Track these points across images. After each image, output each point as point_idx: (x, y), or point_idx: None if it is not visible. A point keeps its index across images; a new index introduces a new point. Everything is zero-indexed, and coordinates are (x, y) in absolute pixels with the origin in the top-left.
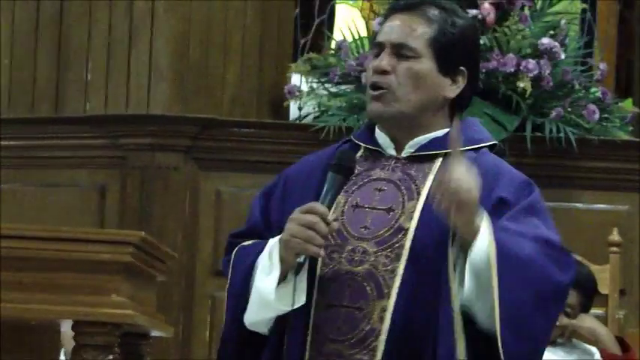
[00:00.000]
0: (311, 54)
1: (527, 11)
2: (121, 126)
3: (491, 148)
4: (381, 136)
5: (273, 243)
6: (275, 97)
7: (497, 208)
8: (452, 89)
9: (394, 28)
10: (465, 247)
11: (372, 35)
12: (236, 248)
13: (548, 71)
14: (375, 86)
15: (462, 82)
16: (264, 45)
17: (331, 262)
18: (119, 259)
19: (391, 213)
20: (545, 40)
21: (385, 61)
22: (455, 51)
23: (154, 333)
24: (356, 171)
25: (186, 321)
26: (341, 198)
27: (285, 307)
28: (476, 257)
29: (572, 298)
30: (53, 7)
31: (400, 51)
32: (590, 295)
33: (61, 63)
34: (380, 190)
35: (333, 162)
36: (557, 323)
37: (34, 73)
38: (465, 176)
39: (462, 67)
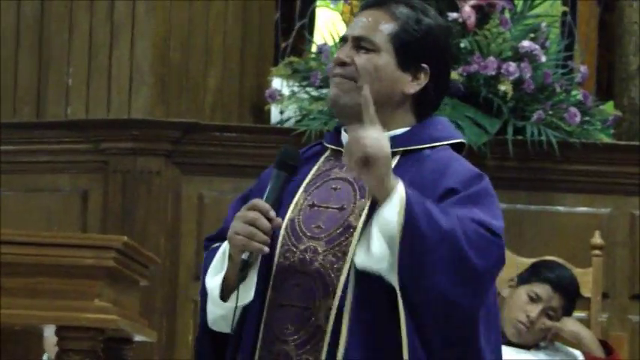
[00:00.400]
0: (292, 58)
1: (507, 14)
2: (103, 130)
3: (461, 147)
4: (345, 137)
5: (226, 242)
6: (256, 101)
7: (444, 198)
8: (412, 85)
9: (359, 23)
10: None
11: None
12: (205, 253)
13: (529, 74)
14: (334, 76)
15: (423, 80)
16: (245, 49)
17: (285, 261)
18: (102, 264)
19: (343, 211)
20: (526, 43)
21: (344, 53)
22: (417, 48)
23: (138, 338)
24: (317, 170)
25: (169, 325)
26: (300, 197)
27: (232, 305)
28: (384, 216)
29: (555, 301)
30: (34, 11)
31: (360, 44)
32: (572, 298)
33: (42, 67)
34: (336, 189)
35: (277, 158)
36: (542, 326)
37: (15, 78)
38: (373, 134)
39: (424, 65)
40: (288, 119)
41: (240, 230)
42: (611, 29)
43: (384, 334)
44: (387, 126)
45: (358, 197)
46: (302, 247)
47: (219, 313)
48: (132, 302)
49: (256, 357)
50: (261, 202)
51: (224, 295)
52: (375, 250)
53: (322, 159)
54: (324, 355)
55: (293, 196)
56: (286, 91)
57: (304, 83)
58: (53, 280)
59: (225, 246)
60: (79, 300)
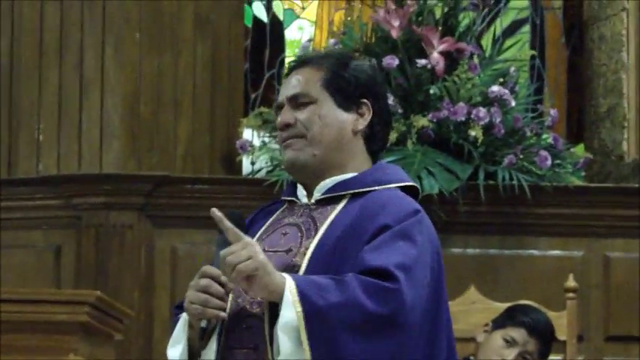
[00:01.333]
0: (262, 108)
1: (476, 59)
2: (75, 185)
3: (414, 191)
4: (300, 188)
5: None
6: (227, 152)
7: (377, 234)
8: (359, 122)
9: (287, 85)
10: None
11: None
12: (173, 320)
13: (499, 119)
14: (283, 140)
15: (367, 114)
16: (215, 100)
17: (237, 307)
18: (76, 319)
19: (290, 253)
20: (495, 88)
21: (286, 115)
22: (351, 86)
23: None
24: (272, 221)
25: None
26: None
27: None
28: (287, 323)
29: (531, 345)
30: (3, 66)
31: (298, 101)
32: (548, 341)
33: (12, 123)
34: (285, 234)
35: (218, 225)
36: None
37: None
38: (237, 251)
39: (363, 100)
40: (259, 170)
41: (194, 299)
42: (579, 72)
43: None
44: (341, 170)
45: (305, 238)
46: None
47: None
48: (107, 356)
49: None
50: (210, 269)
51: None
52: (284, 351)
53: (279, 211)
54: None
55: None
56: (257, 142)
57: (275, 133)
58: (28, 336)
59: (184, 315)
60: (54, 355)
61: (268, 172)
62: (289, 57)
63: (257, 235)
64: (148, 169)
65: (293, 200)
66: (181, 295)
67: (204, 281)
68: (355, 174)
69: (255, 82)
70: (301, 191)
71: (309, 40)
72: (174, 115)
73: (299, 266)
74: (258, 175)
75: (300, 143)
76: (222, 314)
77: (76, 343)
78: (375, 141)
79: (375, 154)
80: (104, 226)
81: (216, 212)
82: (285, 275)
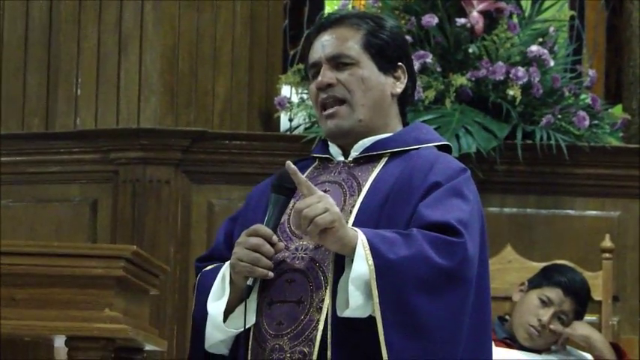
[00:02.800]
0: (300, 65)
1: (515, 19)
2: (112, 140)
3: (447, 149)
4: (332, 146)
5: (225, 267)
6: (265, 108)
7: (430, 191)
8: (397, 85)
9: (325, 44)
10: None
11: (305, 63)
12: (200, 273)
13: (537, 79)
14: (326, 105)
15: (404, 78)
16: (254, 56)
17: (278, 261)
18: (112, 274)
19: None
20: (534, 48)
21: (327, 75)
22: (390, 49)
23: (148, 347)
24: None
25: (180, 335)
26: (292, 203)
27: (235, 330)
28: (358, 277)
29: (567, 305)
30: (42, 22)
31: (338, 61)
32: (583, 302)
33: (51, 78)
34: (325, 191)
35: (273, 182)
36: (552, 327)
37: (24, 89)
38: (314, 202)
39: (400, 63)
40: (297, 126)
41: (244, 257)
42: (618, 33)
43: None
44: (378, 131)
45: (348, 196)
46: (293, 246)
47: (219, 338)
48: (142, 311)
49: (249, 357)
50: (263, 228)
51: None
52: (354, 304)
53: (311, 168)
54: (317, 345)
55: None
56: (295, 99)
57: None
58: (63, 290)
59: (224, 271)
60: (89, 310)
61: (306, 128)
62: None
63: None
64: (186, 125)
65: (327, 158)
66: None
67: (257, 240)
68: (391, 134)
69: (293, 38)
70: (335, 149)
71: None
72: (213, 72)
73: (346, 222)
74: (295, 132)
75: (343, 111)
76: (271, 274)
77: (112, 297)
78: (407, 103)
79: (403, 114)
80: (141, 181)
81: (290, 165)
82: (357, 229)
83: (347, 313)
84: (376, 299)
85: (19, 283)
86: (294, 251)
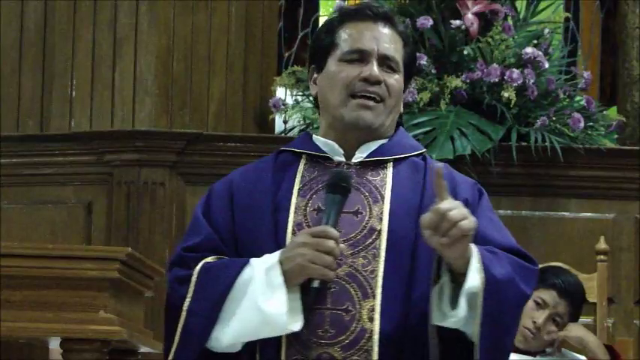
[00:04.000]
0: (295, 67)
1: (510, 21)
2: (107, 142)
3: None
4: (326, 144)
5: (269, 264)
6: (260, 110)
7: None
8: (404, 97)
9: (380, 39)
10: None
11: (331, 37)
12: (200, 265)
13: (532, 80)
14: (368, 96)
15: (407, 91)
16: (249, 58)
17: None
18: (106, 276)
19: (359, 215)
20: (529, 50)
21: (378, 71)
22: (413, 66)
23: (143, 349)
24: (305, 176)
25: None
26: (299, 202)
27: (294, 328)
28: (469, 289)
29: (561, 307)
30: (36, 24)
31: (386, 62)
32: (578, 304)
33: (46, 80)
34: None
35: (329, 182)
36: (548, 333)
37: (19, 91)
38: (458, 208)
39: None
40: (292, 128)
41: (315, 259)
42: (613, 35)
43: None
44: (381, 135)
45: (372, 201)
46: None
47: (267, 336)
48: (137, 313)
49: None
50: (333, 230)
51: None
52: (461, 315)
53: (301, 165)
54: (375, 355)
55: (288, 201)
56: (290, 101)
57: (308, 92)
58: (58, 292)
59: (266, 269)
60: (83, 312)
61: (301, 130)
62: (323, 16)
63: (295, 190)
64: (181, 127)
65: (319, 156)
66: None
67: (331, 243)
68: (387, 138)
69: (288, 40)
70: (335, 148)
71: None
72: (208, 73)
73: (379, 231)
74: (290, 134)
75: (379, 109)
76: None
77: (106, 299)
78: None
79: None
80: (135, 183)
81: (438, 167)
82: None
83: (449, 323)
84: (479, 314)
85: (15, 285)
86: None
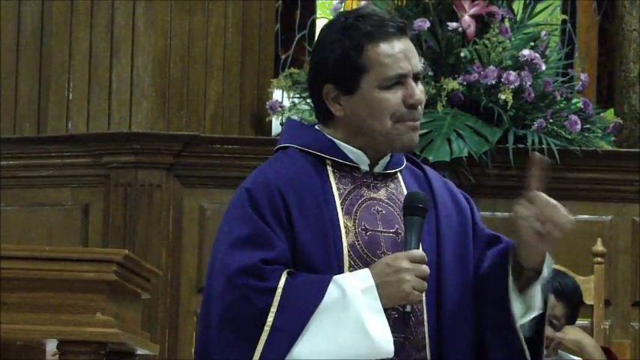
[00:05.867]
0: (292, 69)
1: (507, 23)
2: (104, 144)
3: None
4: (353, 152)
5: (363, 287)
6: (257, 112)
7: (464, 217)
8: None
9: (410, 57)
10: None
11: (362, 59)
12: (283, 279)
13: (529, 83)
14: (415, 119)
15: None
16: (246, 61)
17: None
18: (103, 278)
19: (399, 236)
20: (526, 52)
21: (419, 93)
22: None
23: (140, 351)
24: (342, 190)
25: (171, 338)
26: (347, 221)
27: (392, 354)
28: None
29: (558, 309)
30: (34, 26)
31: (418, 77)
32: (575, 306)
33: (43, 82)
34: (378, 212)
35: (406, 204)
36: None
37: (16, 93)
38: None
39: None
40: None
41: (419, 287)
42: (610, 37)
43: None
44: None
45: (402, 220)
46: None
47: (355, 358)
48: (133, 316)
49: None
50: (424, 256)
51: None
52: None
53: (330, 172)
54: None
55: (335, 217)
56: (287, 103)
57: (305, 94)
58: (54, 294)
59: (362, 290)
60: (80, 314)
61: None
62: (320, 18)
63: (337, 206)
64: (177, 129)
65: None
66: (208, 254)
67: (427, 269)
68: None
69: (285, 43)
70: (364, 158)
71: (341, 2)
72: (205, 76)
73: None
74: None
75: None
76: None
77: (103, 301)
78: None
79: None
80: (132, 185)
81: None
82: None
83: (528, 317)
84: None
85: (11, 287)
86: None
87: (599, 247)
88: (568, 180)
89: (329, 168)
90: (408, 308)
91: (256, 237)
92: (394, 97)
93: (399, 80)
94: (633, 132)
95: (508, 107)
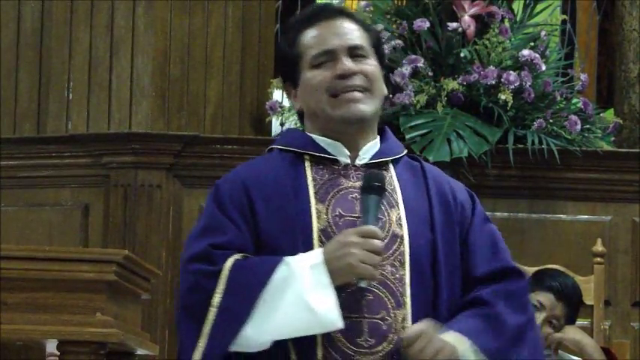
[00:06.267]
0: None
1: (507, 23)
2: (104, 144)
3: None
4: (331, 145)
5: (311, 263)
6: (257, 113)
7: (462, 213)
8: (385, 87)
9: (340, 33)
10: None
11: (295, 49)
12: (230, 261)
13: (529, 83)
14: (351, 89)
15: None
16: (245, 61)
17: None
18: (103, 278)
19: (380, 221)
20: (526, 52)
21: (350, 63)
22: (383, 53)
23: (140, 351)
24: (317, 179)
25: (171, 339)
26: (320, 207)
27: (340, 325)
28: None
29: (558, 309)
30: (34, 26)
31: (356, 52)
32: (575, 306)
33: (43, 82)
34: (356, 199)
35: (364, 185)
36: (544, 332)
37: (16, 93)
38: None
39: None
40: None
41: (367, 259)
42: (610, 37)
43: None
44: (371, 134)
45: (388, 206)
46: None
47: (304, 333)
48: (133, 316)
49: None
50: (379, 231)
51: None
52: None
53: (308, 166)
54: None
55: (307, 205)
56: (286, 103)
57: None
58: (55, 294)
59: (311, 267)
60: (80, 314)
61: None
62: None
63: (311, 194)
64: (177, 129)
65: (327, 158)
66: None
67: (380, 243)
68: (377, 138)
69: None
70: (342, 149)
71: (341, 2)
72: (204, 76)
73: (401, 237)
74: None
75: (367, 98)
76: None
77: (103, 302)
78: None
79: None
80: (132, 186)
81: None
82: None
83: None
84: None
85: (11, 287)
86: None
87: (599, 247)
88: (568, 180)
89: (306, 163)
90: (363, 283)
91: (211, 226)
92: (324, 73)
93: (331, 57)
94: (633, 132)
95: (508, 107)
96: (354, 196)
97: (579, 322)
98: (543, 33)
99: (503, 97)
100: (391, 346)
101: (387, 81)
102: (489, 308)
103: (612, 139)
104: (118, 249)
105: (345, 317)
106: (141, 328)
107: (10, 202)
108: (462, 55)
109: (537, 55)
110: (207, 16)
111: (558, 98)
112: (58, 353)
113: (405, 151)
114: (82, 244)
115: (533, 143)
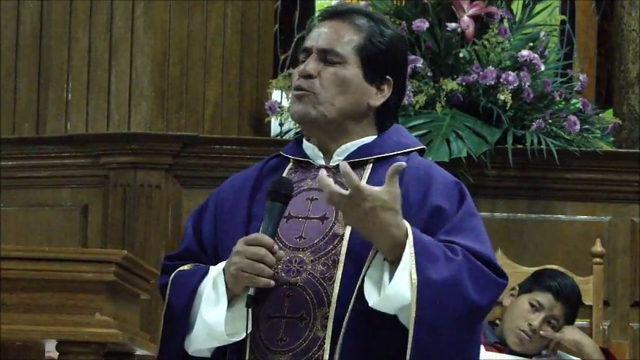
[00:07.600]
0: (291, 69)
1: (506, 23)
2: (103, 145)
3: (420, 153)
4: (309, 147)
5: (216, 272)
6: (256, 113)
7: (434, 217)
8: (377, 97)
9: (322, 34)
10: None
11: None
12: (174, 273)
13: (528, 83)
14: (298, 89)
15: (387, 91)
16: (244, 61)
17: (276, 275)
18: (102, 278)
19: (325, 221)
20: (525, 52)
21: (310, 65)
22: (382, 60)
23: (139, 352)
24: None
25: None
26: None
27: (234, 338)
28: (395, 289)
29: (557, 310)
30: (33, 26)
31: (327, 56)
32: (574, 306)
33: (42, 82)
34: (312, 199)
35: (269, 189)
36: (543, 332)
37: (15, 93)
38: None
39: (388, 77)
40: (288, 131)
41: (246, 268)
42: (609, 37)
43: (382, 342)
44: (351, 137)
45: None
46: (286, 258)
47: (212, 345)
48: (133, 316)
49: None
50: (265, 238)
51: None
52: (384, 306)
53: (286, 171)
54: None
55: (263, 208)
56: (286, 103)
57: None
58: (54, 295)
59: (215, 277)
60: (79, 315)
61: (296, 133)
62: None
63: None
64: (176, 130)
65: (304, 161)
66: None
67: (259, 250)
68: (373, 137)
69: (284, 43)
70: (315, 151)
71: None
72: (203, 76)
73: (341, 236)
74: (286, 137)
75: (310, 99)
76: (272, 283)
77: (102, 302)
78: (386, 116)
79: (382, 126)
80: (131, 186)
81: (346, 167)
82: (408, 228)
83: (376, 304)
84: (412, 321)
85: (10, 287)
86: (288, 264)
87: (598, 247)
88: (567, 180)
89: (289, 166)
90: (251, 292)
91: (182, 236)
92: (297, 69)
93: (306, 56)
94: (632, 132)
95: (507, 108)
96: (310, 197)
97: (578, 322)
98: (542, 33)
99: (502, 97)
100: (304, 344)
101: (401, 85)
102: (455, 255)
103: (611, 139)
104: (117, 249)
105: (268, 318)
106: (140, 328)
107: (9, 202)
108: (461, 55)
109: (536, 56)
110: (206, 16)
111: (557, 98)
112: (57, 354)
113: (403, 150)
114: (81, 245)
115: (532, 143)
